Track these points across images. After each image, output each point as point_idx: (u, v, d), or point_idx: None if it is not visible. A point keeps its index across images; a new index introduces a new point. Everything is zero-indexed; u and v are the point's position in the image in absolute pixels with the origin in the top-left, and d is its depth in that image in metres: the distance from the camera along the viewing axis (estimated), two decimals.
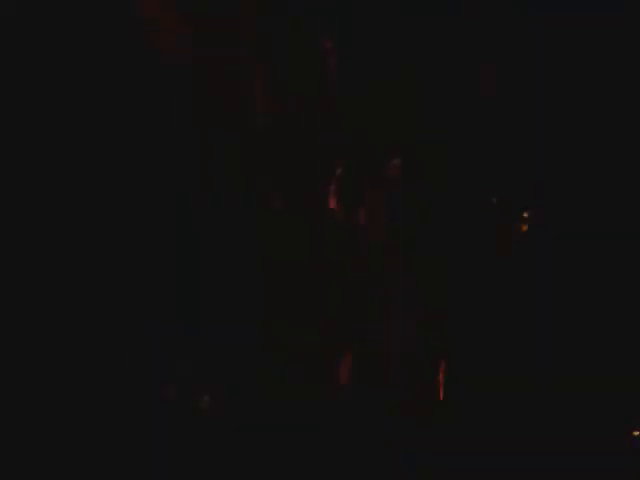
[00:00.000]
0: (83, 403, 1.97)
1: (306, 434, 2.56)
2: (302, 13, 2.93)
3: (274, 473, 2.45)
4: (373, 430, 2.74)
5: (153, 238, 2.37)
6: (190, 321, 2.37)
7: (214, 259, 2.61)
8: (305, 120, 2.98)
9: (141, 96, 2.49)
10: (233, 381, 2.42)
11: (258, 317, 2.61)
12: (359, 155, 3.01)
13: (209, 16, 2.76)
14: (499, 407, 2.87)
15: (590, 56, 2.99)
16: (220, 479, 2.29)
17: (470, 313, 2.93)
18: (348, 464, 2.64)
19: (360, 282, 2.96)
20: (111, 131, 2.36)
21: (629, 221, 2.99)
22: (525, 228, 2.99)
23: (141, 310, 2.23)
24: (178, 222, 2.47)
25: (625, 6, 2.96)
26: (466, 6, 2.98)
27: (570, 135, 3.01)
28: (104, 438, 2.02)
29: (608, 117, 3.01)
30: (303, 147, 2.98)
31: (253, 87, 2.92)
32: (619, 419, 2.85)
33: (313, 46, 2.94)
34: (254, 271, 2.69)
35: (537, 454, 2.82)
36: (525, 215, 3.00)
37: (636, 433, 2.81)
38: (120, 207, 2.35)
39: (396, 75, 3.00)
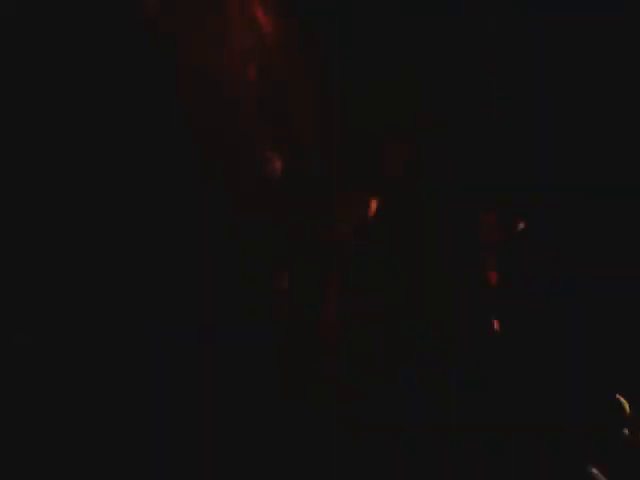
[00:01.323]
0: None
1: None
2: (303, 13, 2.94)
3: None
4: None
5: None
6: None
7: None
8: (305, 120, 2.98)
9: (139, 96, 2.49)
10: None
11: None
12: (359, 155, 3.02)
13: (209, 15, 2.77)
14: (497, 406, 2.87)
15: (590, 56, 2.99)
16: None
17: (471, 312, 2.94)
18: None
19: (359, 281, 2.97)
20: (110, 130, 2.36)
21: (630, 221, 3.00)
22: (525, 227, 2.99)
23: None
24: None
25: (625, 6, 2.96)
26: (466, 6, 2.98)
27: (571, 135, 3.01)
28: None
29: (609, 117, 3.02)
30: (304, 147, 2.99)
31: (253, 88, 2.92)
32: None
33: (313, 46, 2.94)
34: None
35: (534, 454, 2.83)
36: (525, 214, 3.01)
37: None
38: (118, 204, 2.35)
39: (396, 75, 3.01)
